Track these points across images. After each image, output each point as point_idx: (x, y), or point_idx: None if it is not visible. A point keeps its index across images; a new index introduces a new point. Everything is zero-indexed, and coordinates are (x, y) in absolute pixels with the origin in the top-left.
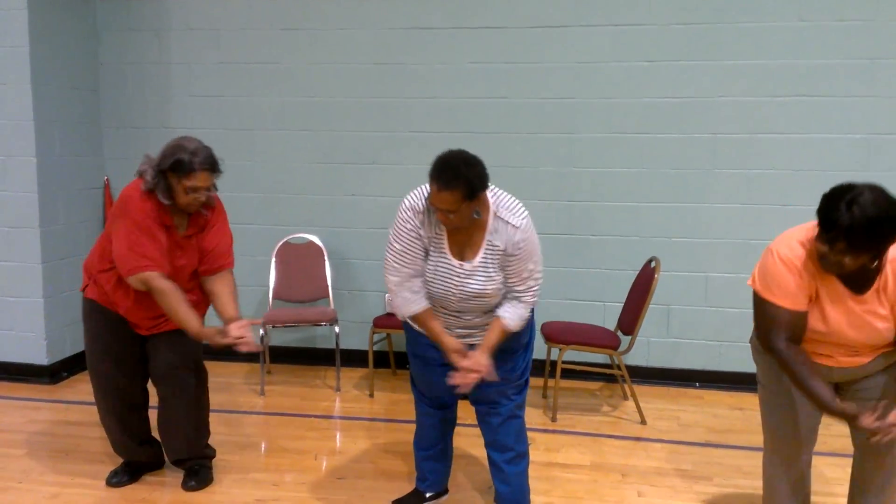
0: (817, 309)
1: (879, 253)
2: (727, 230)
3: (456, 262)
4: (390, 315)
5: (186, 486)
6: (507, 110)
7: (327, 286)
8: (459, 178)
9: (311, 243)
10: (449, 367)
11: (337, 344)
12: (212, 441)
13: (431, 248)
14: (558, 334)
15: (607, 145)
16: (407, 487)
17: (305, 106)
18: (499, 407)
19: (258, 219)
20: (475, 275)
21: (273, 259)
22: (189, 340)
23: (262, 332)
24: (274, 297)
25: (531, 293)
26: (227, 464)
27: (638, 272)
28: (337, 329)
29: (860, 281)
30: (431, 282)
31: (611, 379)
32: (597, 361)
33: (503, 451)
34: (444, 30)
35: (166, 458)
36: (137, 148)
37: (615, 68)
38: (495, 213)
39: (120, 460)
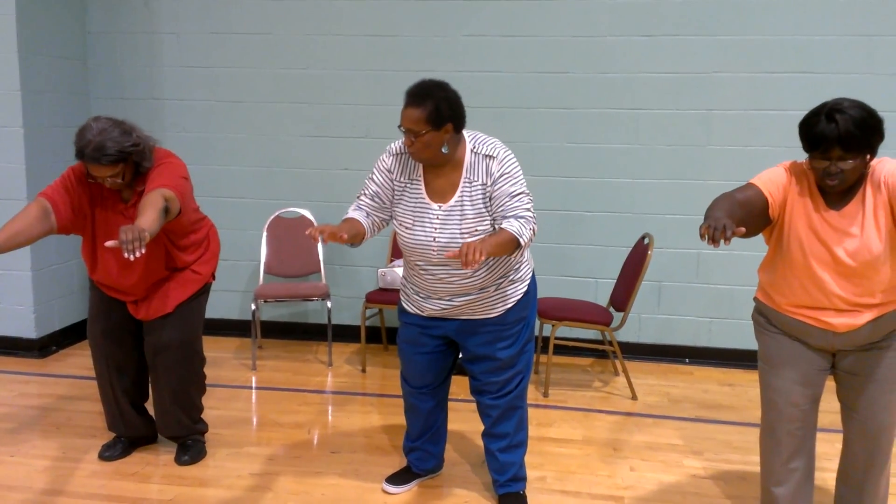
0: (781, 225)
1: (872, 150)
2: None
3: (434, 204)
4: (383, 290)
5: (180, 461)
6: (502, 84)
7: (319, 261)
8: (428, 97)
9: (304, 217)
10: (431, 353)
11: (329, 319)
12: (204, 416)
13: (408, 194)
14: (551, 310)
15: (602, 121)
16: (400, 462)
17: (298, 78)
18: (498, 398)
19: (249, 192)
20: (452, 216)
21: (264, 233)
22: (184, 325)
23: (253, 306)
24: (265, 272)
25: (524, 207)
26: (221, 438)
27: (631, 249)
28: (329, 304)
29: (842, 195)
30: (411, 228)
31: (602, 355)
32: (589, 337)
33: (500, 439)
34: (439, 2)
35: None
36: (127, 119)
37: (611, 42)
38: (472, 150)
39: (112, 435)
